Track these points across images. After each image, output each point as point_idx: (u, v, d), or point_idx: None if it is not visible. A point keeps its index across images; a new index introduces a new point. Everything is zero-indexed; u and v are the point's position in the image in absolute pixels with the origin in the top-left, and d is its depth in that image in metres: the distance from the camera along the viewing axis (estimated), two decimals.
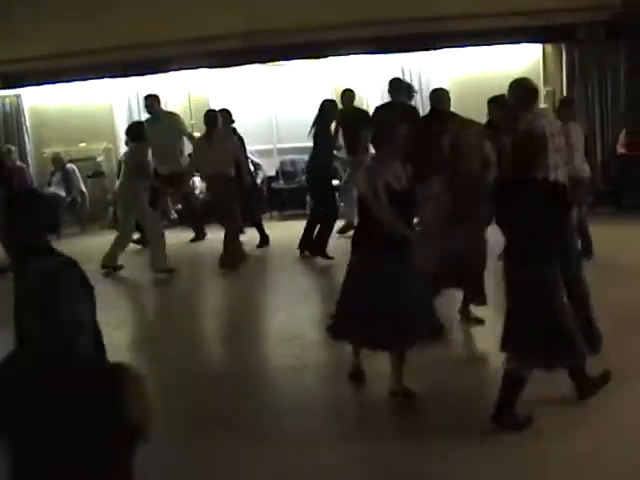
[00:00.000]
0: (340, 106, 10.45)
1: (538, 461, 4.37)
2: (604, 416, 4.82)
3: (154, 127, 10.66)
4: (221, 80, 13.25)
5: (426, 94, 12.60)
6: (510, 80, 6.08)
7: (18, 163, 12.87)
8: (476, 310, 6.72)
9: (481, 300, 6.67)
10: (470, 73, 12.46)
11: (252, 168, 11.98)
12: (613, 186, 11.74)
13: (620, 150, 12.01)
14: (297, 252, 10.11)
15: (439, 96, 8.74)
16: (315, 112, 9.96)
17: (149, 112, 11.27)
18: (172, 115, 11.37)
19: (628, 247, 7.32)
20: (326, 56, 12.44)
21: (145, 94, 11.66)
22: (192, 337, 7.46)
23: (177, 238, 11.32)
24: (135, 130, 10.14)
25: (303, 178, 11.86)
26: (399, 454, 4.57)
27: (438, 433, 4.77)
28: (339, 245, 9.36)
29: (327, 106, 9.90)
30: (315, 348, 6.66)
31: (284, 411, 5.40)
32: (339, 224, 10.45)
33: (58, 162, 13.15)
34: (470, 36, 11.79)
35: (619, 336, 5.84)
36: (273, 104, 12.92)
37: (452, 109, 8.51)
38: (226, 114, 10.71)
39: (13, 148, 12.97)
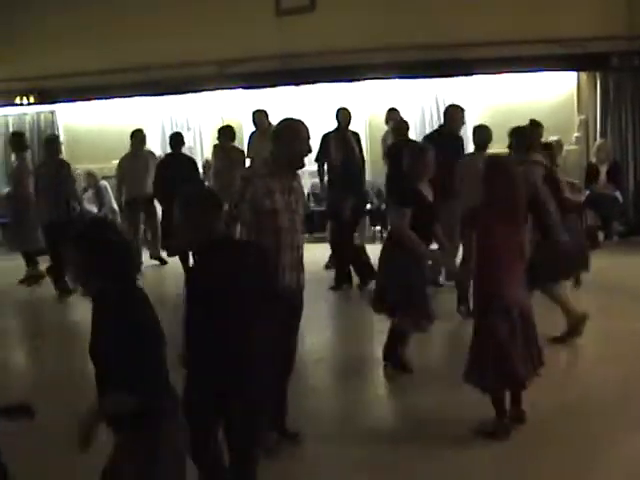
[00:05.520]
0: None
1: None
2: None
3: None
4: (254, 102, 13.23)
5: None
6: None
7: None
8: None
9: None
10: (504, 101, 12.43)
11: None
12: None
13: None
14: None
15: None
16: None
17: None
18: None
19: None
20: (360, 79, 12.51)
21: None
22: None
23: None
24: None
25: None
26: None
27: None
28: None
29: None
30: None
31: None
32: None
33: (91, 178, 13.20)
34: (505, 63, 11.84)
35: None
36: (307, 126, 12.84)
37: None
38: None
39: None
